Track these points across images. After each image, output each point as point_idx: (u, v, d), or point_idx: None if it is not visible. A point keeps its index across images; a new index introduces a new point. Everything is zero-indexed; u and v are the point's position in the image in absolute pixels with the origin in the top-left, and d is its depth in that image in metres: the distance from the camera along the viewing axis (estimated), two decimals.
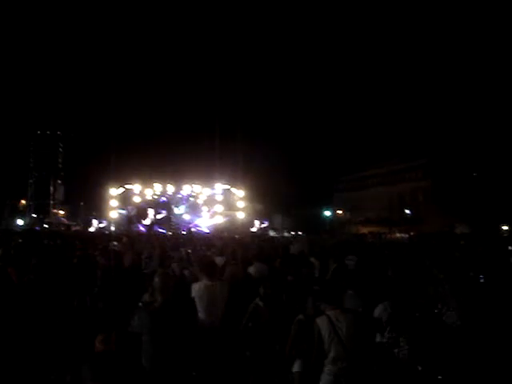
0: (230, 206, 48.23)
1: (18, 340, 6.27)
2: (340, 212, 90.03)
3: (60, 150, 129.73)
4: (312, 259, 12.17)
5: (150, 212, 46.72)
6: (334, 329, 5.97)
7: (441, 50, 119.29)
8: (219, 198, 48.06)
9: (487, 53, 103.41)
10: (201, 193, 48.75)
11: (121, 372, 3.00)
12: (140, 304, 6.00)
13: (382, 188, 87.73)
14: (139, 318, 5.57)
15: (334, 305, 6.22)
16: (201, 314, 7.63)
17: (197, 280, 8.60)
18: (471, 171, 68.07)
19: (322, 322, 6.07)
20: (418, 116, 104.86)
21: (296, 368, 6.71)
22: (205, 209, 48.46)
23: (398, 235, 57.09)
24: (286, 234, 51.08)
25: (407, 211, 77.43)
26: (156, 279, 6.03)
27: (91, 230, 49.17)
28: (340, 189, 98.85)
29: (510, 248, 20.24)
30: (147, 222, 45.71)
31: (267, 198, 63.92)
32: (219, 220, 46.43)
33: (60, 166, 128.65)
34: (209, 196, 48.40)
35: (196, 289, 8.09)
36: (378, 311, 7.13)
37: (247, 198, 49.35)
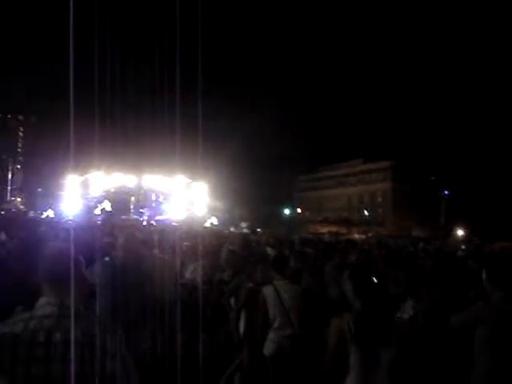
0: (190, 200, 47.85)
1: None
2: (300, 211, 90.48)
3: (20, 134, 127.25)
4: (268, 249, 12.28)
5: (107, 203, 45.97)
6: (280, 298, 6.05)
7: (408, 50, 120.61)
8: (180, 191, 47.60)
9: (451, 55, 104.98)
10: (161, 185, 48.22)
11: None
12: (106, 259, 6.10)
13: (343, 189, 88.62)
14: (100, 268, 5.62)
15: (281, 275, 6.30)
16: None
17: None
18: (430, 175, 69.03)
19: (267, 291, 6.15)
20: (380, 119, 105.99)
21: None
22: (165, 202, 47.99)
23: (356, 236, 57.59)
24: (245, 231, 51.00)
25: (366, 212, 78.33)
26: (121, 238, 6.30)
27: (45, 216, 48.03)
28: (301, 188, 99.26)
29: (462, 248, 20.60)
30: (105, 211, 44.99)
31: (227, 195, 63.83)
32: (179, 214, 45.89)
33: (19, 150, 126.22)
34: (170, 189, 47.88)
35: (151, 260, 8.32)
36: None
37: (208, 194, 49.12)
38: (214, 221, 48.97)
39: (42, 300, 2.86)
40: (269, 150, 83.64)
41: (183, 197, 49.09)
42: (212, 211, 51.22)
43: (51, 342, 2.72)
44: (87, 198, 46.50)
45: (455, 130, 77.17)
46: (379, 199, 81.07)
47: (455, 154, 69.57)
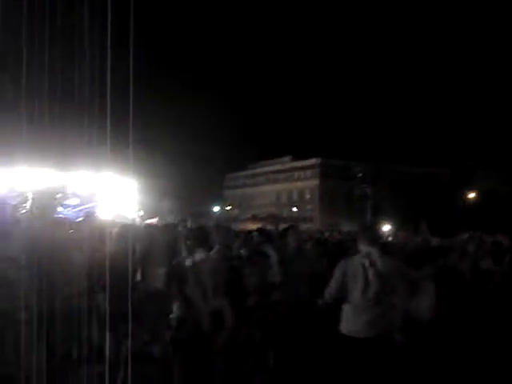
0: (119, 197, 46.68)
1: None
2: (229, 208, 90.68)
3: None
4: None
5: (32, 201, 44.20)
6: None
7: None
8: (107, 188, 46.35)
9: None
10: (89, 182, 46.82)
11: None
12: None
13: (272, 186, 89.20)
14: None
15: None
16: None
17: None
18: (356, 172, 70.24)
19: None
20: (308, 116, 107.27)
21: None
22: (90, 200, 46.64)
23: None
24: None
25: (294, 209, 79.09)
26: None
27: None
28: (231, 186, 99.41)
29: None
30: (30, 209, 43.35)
31: (157, 192, 62.91)
32: (106, 213, 44.46)
33: None
34: (96, 186, 46.56)
35: None
36: None
37: (138, 190, 48.19)
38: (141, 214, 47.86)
39: None
40: (199, 147, 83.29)
41: (112, 194, 47.78)
42: (141, 207, 50.14)
43: None
44: (11, 195, 44.79)
45: (380, 128, 78.87)
46: (307, 196, 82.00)
47: (380, 152, 71.17)
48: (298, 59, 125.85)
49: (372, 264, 5.48)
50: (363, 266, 5.50)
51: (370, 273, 5.45)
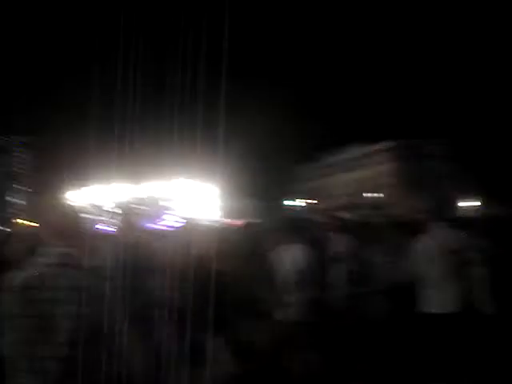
0: (198, 202, 47.30)
1: None
2: (307, 201, 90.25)
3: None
4: None
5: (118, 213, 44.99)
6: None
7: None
8: (191, 195, 47.01)
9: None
10: (168, 190, 47.57)
11: None
12: None
13: (349, 174, 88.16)
14: None
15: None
16: None
17: None
18: (433, 151, 68.81)
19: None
20: (373, 101, 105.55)
21: None
22: (167, 207, 47.31)
23: None
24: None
25: (373, 195, 78.06)
26: None
27: None
28: (307, 178, 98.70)
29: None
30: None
31: (235, 193, 63.54)
32: (193, 218, 44.50)
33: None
34: (176, 193, 47.18)
35: None
36: None
37: (215, 193, 48.70)
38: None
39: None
40: (268, 144, 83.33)
41: (196, 200, 48.44)
42: (225, 210, 50.54)
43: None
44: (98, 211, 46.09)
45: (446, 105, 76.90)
46: (384, 180, 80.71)
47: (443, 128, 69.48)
48: (350, 45, 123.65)
49: (439, 239, 5.55)
50: (432, 242, 5.59)
51: (439, 249, 5.55)
